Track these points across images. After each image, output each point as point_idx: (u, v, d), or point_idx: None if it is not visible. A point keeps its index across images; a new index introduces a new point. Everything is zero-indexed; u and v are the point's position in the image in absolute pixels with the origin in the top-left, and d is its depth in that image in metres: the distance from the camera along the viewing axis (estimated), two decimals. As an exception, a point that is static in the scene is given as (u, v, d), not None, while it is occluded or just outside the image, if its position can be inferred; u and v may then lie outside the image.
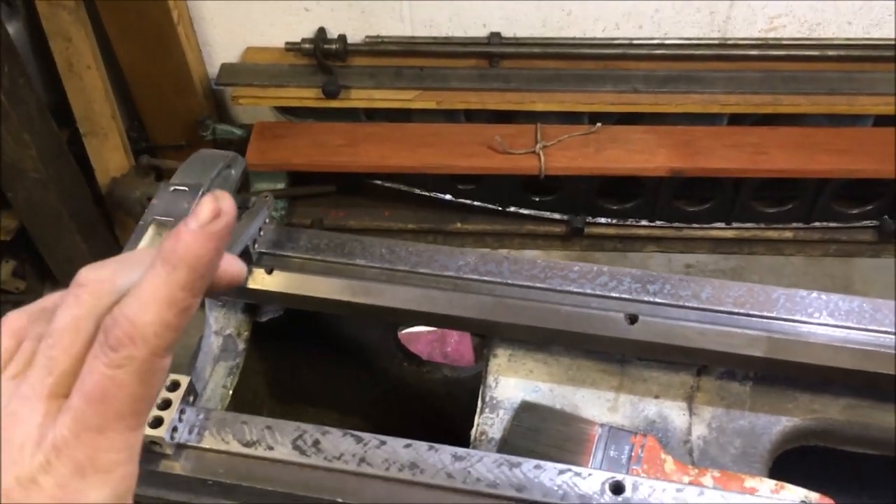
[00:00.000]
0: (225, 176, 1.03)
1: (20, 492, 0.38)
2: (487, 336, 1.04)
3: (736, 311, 0.96)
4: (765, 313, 0.96)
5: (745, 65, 2.16)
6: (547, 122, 2.24)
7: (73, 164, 2.17)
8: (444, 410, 1.25)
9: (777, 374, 0.95)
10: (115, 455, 0.40)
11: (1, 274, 2.24)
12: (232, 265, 0.52)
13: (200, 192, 0.97)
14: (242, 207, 1.05)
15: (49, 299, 0.46)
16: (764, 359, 0.93)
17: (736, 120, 2.25)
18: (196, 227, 0.41)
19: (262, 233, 1.04)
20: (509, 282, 1.01)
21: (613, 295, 0.99)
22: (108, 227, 2.37)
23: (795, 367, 0.92)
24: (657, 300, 0.98)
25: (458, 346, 1.60)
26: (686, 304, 0.97)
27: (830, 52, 2.13)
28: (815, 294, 0.97)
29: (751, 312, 0.96)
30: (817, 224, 2.32)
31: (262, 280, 1.01)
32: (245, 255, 1.01)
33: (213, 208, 0.42)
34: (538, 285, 1.00)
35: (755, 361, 0.93)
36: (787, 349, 0.92)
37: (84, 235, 2.24)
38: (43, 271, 2.37)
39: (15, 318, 0.47)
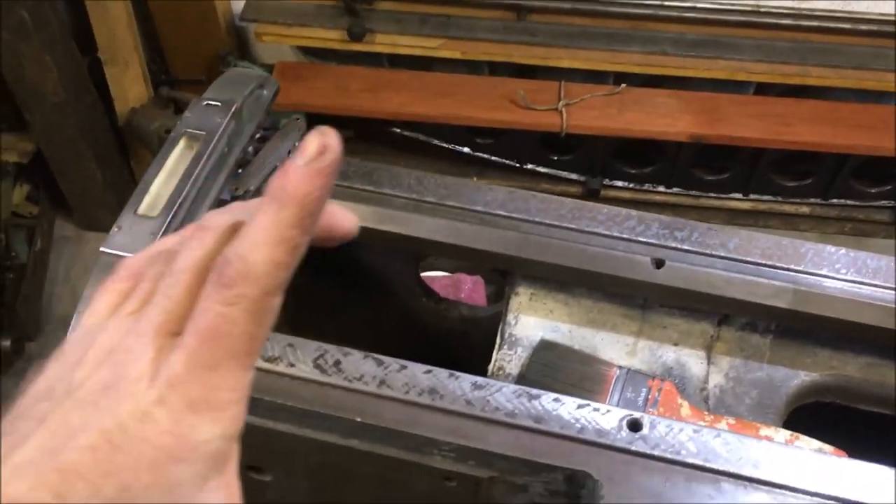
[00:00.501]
0: (257, 96, 1.02)
1: (134, 425, 0.38)
2: (510, 273, 1.04)
3: (763, 262, 0.96)
4: (791, 266, 0.96)
5: (775, 33, 2.13)
6: (571, 79, 2.23)
7: (93, 91, 2.16)
8: (458, 349, 1.25)
9: (799, 327, 0.95)
10: (228, 393, 0.40)
11: (14, 197, 2.23)
12: (346, 218, 0.52)
13: (233, 109, 0.96)
14: (272, 128, 1.04)
15: (168, 241, 0.47)
16: (788, 310, 0.92)
17: (762, 89, 2.23)
18: (303, 163, 0.40)
19: (290, 154, 1.03)
20: (536, 220, 1.00)
21: (641, 239, 0.98)
22: (124, 157, 2.36)
23: (819, 320, 0.92)
24: (684, 247, 0.97)
25: (471, 292, 1.60)
26: (713, 252, 0.97)
27: (862, 27, 2.11)
28: (843, 251, 0.97)
29: (777, 264, 0.96)
30: (835, 201, 2.31)
31: (289, 202, 1.01)
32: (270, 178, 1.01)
33: (319, 144, 0.40)
34: (565, 225, 1.00)
35: (779, 313, 0.93)
36: (811, 302, 0.92)
37: (100, 164, 2.23)
38: (56, 198, 2.37)
39: (133, 260, 0.47)
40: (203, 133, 0.93)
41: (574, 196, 2.38)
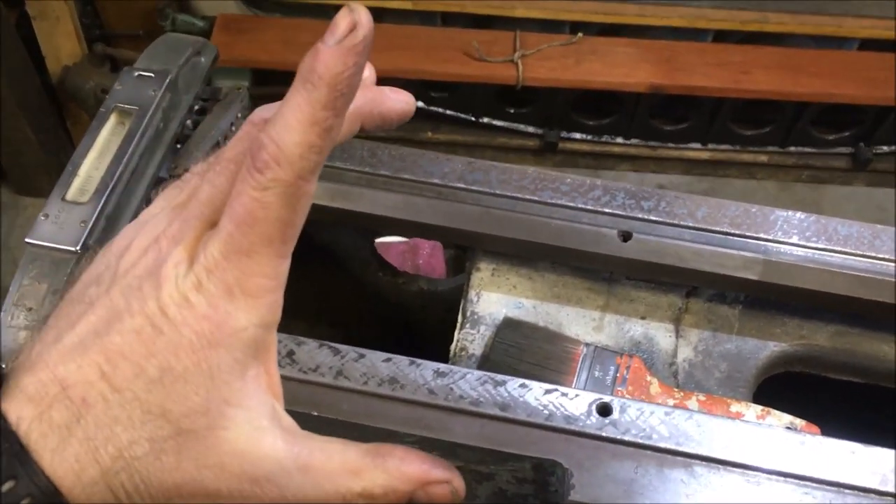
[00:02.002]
0: (194, 64, 0.95)
1: (174, 309, 0.39)
2: (470, 248, 0.99)
3: (732, 231, 0.93)
4: (761, 235, 0.92)
5: (734, -21, 2.08)
6: (526, 29, 2.16)
7: (23, 49, 2.03)
8: (418, 323, 1.21)
9: (770, 298, 0.93)
10: (264, 280, 0.41)
11: (-56, 164, 2.12)
12: (399, 99, 0.52)
13: (168, 80, 0.89)
14: (212, 99, 0.97)
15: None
16: (759, 282, 0.89)
17: (721, 37, 2.19)
18: (333, 42, 0.39)
19: (233, 128, 0.96)
20: (497, 192, 0.95)
21: (606, 210, 0.94)
22: (59, 118, 2.24)
23: (791, 291, 0.90)
24: (651, 217, 0.93)
25: (429, 258, 1.55)
26: (681, 222, 0.93)
27: (822, -29, 2.06)
28: (812, 217, 0.94)
29: (747, 234, 0.92)
30: (792, 149, 2.30)
31: (233, 179, 0.94)
32: (215, 151, 0.94)
33: (349, 21, 0.39)
34: (528, 197, 0.95)
35: (750, 284, 0.90)
36: (782, 273, 0.89)
37: (33, 126, 2.11)
38: (-11, 163, 2.25)
39: (196, 166, 0.48)
40: (136, 108, 0.86)
41: (532, 149, 2.33)
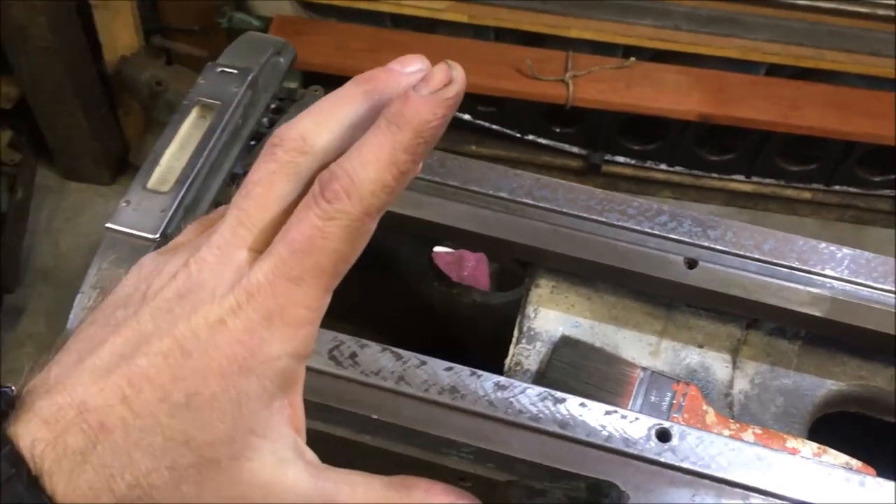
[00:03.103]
0: (274, 63, 0.96)
1: (207, 331, 0.38)
2: (531, 264, 1.00)
3: (798, 266, 0.92)
4: (828, 272, 0.92)
5: (791, 14, 2.08)
6: (579, 50, 2.16)
7: (83, 36, 2.06)
8: (469, 336, 1.21)
9: (832, 336, 0.92)
10: (306, 311, 0.40)
11: (-3, 143, 2.15)
12: None
13: (249, 78, 0.90)
14: (289, 99, 0.98)
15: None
16: (823, 319, 0.89)
17: (773, 71, 2.18)
18: (426, 92, 0.39)
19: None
20: (564, 210, 0.96)
21: (672, 236, 0.94)
22: (111, 107, 2.27)
23: (854, 331, 0.89)
24: (718, 246, 0.93)
25: (474, 270, 1.56)
26: (747, 253, 0.93)
27: (881, 12, 2.06)
28: (881, 258, 0.93)
29: (813, 270, 0.92)
30: (837, 187, 2.29)
31: (304, 179, 0.95)
32: (288, 151, 0.95)
33: (445, 75, 0.40)
34: (594, 217, 0.95)
35: (814, 321, 0.89)
36: (848, 312, 0.89)
37: (86, 112, 2.14)
38: (40, 146, 2.28)
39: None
40: (218, 103, 0.87)
41: (574, 170, 2.34)
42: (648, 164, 2.32)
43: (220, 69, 0.90)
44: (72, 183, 2.34)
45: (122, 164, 2.34)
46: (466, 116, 2.29)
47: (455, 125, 2.36)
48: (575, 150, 2.31)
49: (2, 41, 1.94)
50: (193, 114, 0.87)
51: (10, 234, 2.11)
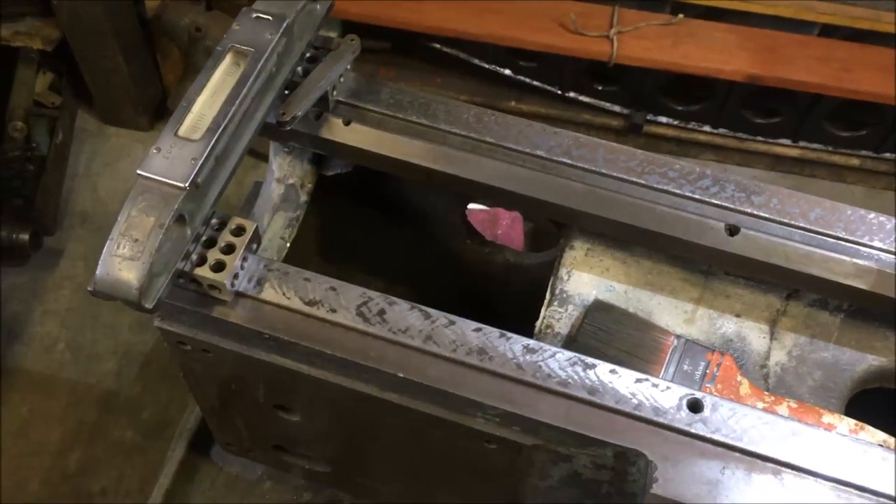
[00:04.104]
0: (309, 10, 0.93)
1: None
2: (566, 225, 0.97)
3: (845, 236, 0.89)
4: (876, 243, 0.88)
5: (850, -28, 1.99)
6: (626, 5, 2.09)
7: (122, -21, 2.04)
8: (500, 294, 1.19)
9: (876, 310, 0.89)
10: None
11: (37, 85, 2.15)
12: None
13: (284, 24, 0.88)
14: (323, 48, 0.96)
15: None
16: (868, 292, 0.86)
17: (827, 32, 2.09)
18: None
19: (342, 79, 0.95)
20: (603, 171, 0.93)
21: (714, 202, 0.91)
22: (150, 51, 2.25)
23: (900, 306, 0.86)
24: (762, 213, 0.90)
25: (509, 229, 1.54)
26: (792, 221, 0.90)
27: (945, -28, 1.96)
28: (933, 231, 0.89)
29: (861, 241, 0.89)
30: (887, 155, 2.21)
31: (337, 131, 0.93)
32: (322, 101, 0.93)
33: None
34: (634, 179, 0.93)
35: (858, 294, 0.86)
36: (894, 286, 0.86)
37: (126, 56, 2.13)
38: (79, 88, 2.28)
39: None
40: (252, 50, 0.85)
41: (616, 129, 2.28)
42: (692, 125, 2.26)
43: (255, 15, 0.88)
44: (111, 128, 2.34)
45: (161, 110, 2.33)
46: (507, 71, 2.24)
47: (494, 79, 2.32)
48: (616, 108, 2.25)
49: (42, -17, 1.93)
50: (227, 60, 0.85)
51: (49, 176, 2.12)
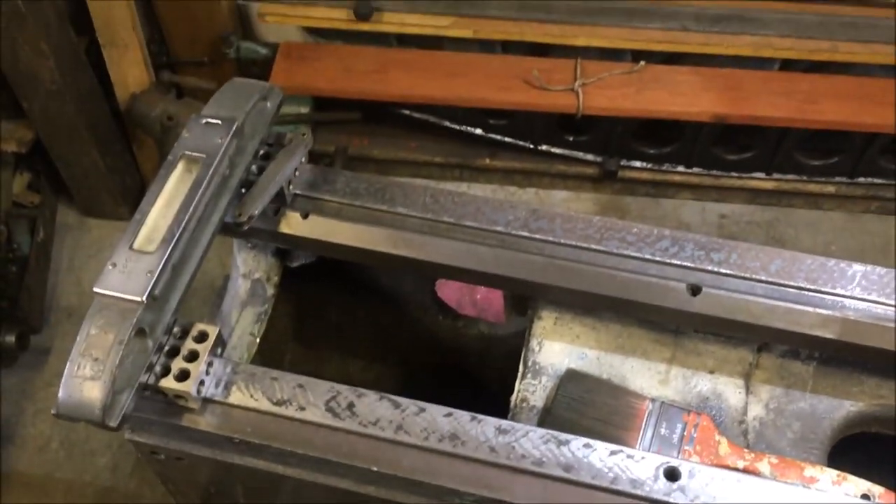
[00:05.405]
0: (260, 109, 0.95)
1: None
2: (534, 297, 0.98)
3: (807, 286, 0.89)
4: (838, 291, 0.89)
5: (803, 6, 2.03)
6: (587, 57, 2.13)
7: (92, 75, 2.07)
8: (477, 367, 1.19)
9: (847, 357, 0.89)
10: None
11: (15, 186, 2.17)
12: None
13: (234, 127, 0.89)
14: (276, 144, 0.97)
15: None
16: (836, 341, 0.86)
17: (787, 65, 2.13)
18: None
19: (297, 173, 0.96)
20: (562, 241, 0.94)
21: (675, 262, 0.91)
22: (126, 143, 2.28)
23: (869, 351, 0.86)
24: (722, 270, 0.91)
25: (487, 293, 1.54)
26: (754, 275, 0.90)
27: (895, -1, 2.00)
28: (893, 272, 0.90)
29: (823, 289, 0.89)
30: (861, 180, 2.23)
31: (296, 225, 0.94)
32: (279, 196, 0.94)
33: None
34: (593, 246, 0.93)
35: (826, 343, 0.86)
36: (861, 332, 0.86)
37: (101, 150, 2.16)
38: (58, 185, 2.30)
39: None
40: (203, 155, 0.86)
41: (591, 177, 2.30)
42: (666, 166, 2.28)
43: (204, 120, 0.89)
44: (92, 220, 2.36)
45: (140, 197, 2.35)
46: (478, 131, 2.27)
47: (467, 139, 2.35)
48: (590, 157, 2.27)
49: (12, 86, 1.96)
50: (179, 168, 0.86)
51: (33, 275, 2.13)
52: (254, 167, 0.94)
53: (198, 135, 0.88)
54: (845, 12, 2.02)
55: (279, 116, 0.94)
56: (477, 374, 1.16)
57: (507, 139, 2.26)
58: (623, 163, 2.27)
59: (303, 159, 0.96)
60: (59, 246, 2.32)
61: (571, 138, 2.25)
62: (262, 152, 0.95)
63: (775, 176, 2.26)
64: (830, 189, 2.26)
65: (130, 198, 2.34)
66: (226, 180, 0.89)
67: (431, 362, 1.19)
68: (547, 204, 2.33)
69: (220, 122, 0.89)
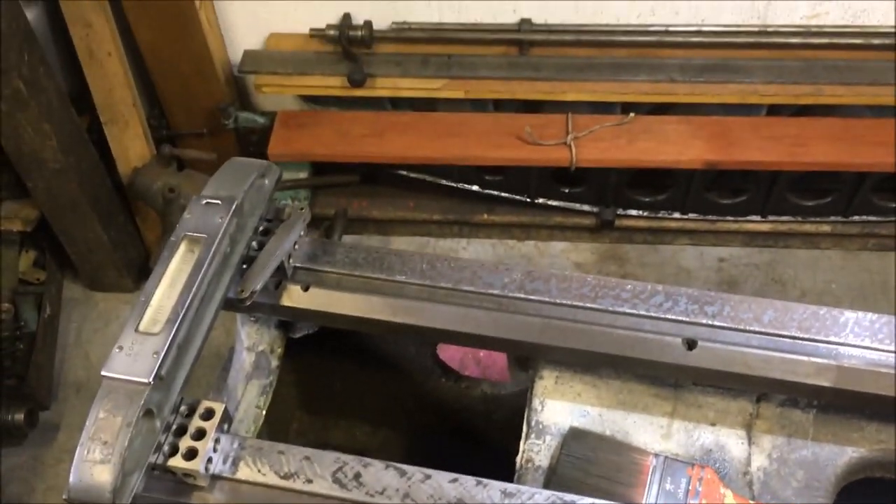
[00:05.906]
0: (258, 186, 0.98)
1: None
2: (533, 358, 0.99)
3: (801, 335, 0.91)
4: (832, 338, 0.90)
5: (785, 53, 2.08)
6: (578, 111, 2.17)
7: (94, 152, 2.12)
8: (481, 427, 1.20)
9: (845, 403, 0.90)
10: None
11: (21, 264, 2.20)
12: None
13: (234, 206, 0.92)
14: (276, 220, 1.00)
15: None
16: (832, 389, 0.87)
17: (774, 111, 2.17)
18: None
19: (297, 246, 0.99)
20: (557, 301, 0.95)
21: (670, 317, 0.93)
22: (129, 216, 2.32)
23: (867, 398, 0.87)
24: (716, 323, 0.92)
25: (490, 352, 1.55)
26: (748, 327, 0.92)
27: (875, 41, 2.05)
28: (885, 318, 0.91)
29: (817, 338, 0.90)
30: (856, 218, 2.25)
31: (297, 297, 0.96)
32: (280, 270, 0.97)
33: None
34: (588, 305, 0.95)
35: (822, 391, 0.88)
36: (857, 379, 0.87)
37: (104, 225, 2.19)
38: (63, 261, 2.33)
39: None
40: (204, 236, 0.89)
41: (588, 227, 2.33)
42: (661, 214, 2.31)
43: (204, 201, 0.92)
44: (97, 293, 2.39)
45: (144, 269, 2.38)
46: (475, 187, 2.30)
47: (464, 196, 2.38)
48: (586, 208, 2.31)
49: (16, 167, 2.00)
50: (181, 249, 0.89)
51: (40, 352, 2.14)
52: (254, 243, 0.96)
53: (198, 215, 0.91)
54: (827, 56, 2.07)
55: (279, 182, 0.97)
56: (482, 434, 1.17)
57: (503, 194, 2.30)
58: (619, 212, 2.30)
59: (301, 233, 0.99)
60: (65, 321, 2.34)
61: (567, 190, 2.29)
62: (261, 228, 0.98)
63: (770, 218, 2.28)
64: (826, 228, 2.28)
65: (135, 269, 2.37)
66: (227, 258, 0.91)
67: (437, 424, 1.20)
68: (546, 255, 2.35)
69: (219, 201, 0.91)
